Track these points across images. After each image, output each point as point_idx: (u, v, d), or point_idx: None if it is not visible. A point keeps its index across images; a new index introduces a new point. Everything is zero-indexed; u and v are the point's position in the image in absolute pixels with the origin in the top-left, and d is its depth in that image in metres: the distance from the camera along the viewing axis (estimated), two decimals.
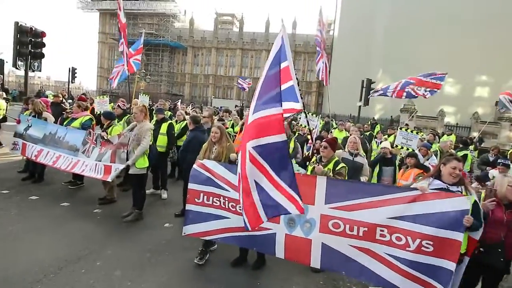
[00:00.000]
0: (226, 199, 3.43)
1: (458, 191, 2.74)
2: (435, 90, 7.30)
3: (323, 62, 7.94)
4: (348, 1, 42.13)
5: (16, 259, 3.40)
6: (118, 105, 6.66)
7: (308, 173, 3.81)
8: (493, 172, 5.28)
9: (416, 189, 2.73)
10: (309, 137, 7.35)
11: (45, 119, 6.15)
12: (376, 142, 7.98)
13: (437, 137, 10.15)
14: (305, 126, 8.43)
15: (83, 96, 9.53)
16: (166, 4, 52.56)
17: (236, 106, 21.57)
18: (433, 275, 2.61)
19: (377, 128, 12.35)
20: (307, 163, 4.59)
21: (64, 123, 6.00)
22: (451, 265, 2.55)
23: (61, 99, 8.84)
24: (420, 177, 3.38)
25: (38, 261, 3.40)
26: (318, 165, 3.58)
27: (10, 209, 4.72)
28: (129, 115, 6.50)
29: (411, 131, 6.52)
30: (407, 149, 6.28)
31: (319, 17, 8.11)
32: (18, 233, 4.01)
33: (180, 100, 13.89)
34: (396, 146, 6.38)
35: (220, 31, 55.92)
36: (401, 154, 6.28)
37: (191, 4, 74.42)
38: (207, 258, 3.82)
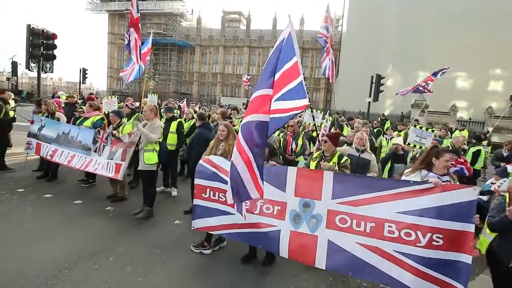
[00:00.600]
0: None
1: (448, 180, 2.80)
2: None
3: (329, 59, 7.85)
4: None
5: (31, 255, 3.50)
6: (126, 105, 6.75)
7: (311, 168, 3.80)
8: (510, 168, 5.11)
9: (424, 183, 2.70)
10: (314, 134, 7.31)
11: (58, 119, 6.30)
12: (386, 138, 7.88)
13: (449, 132, 9.96)
14: (309, 124, 8.39)
15: (92, 95, 9.68)
16: (173, 3, 52.86)
17: (243, 104, 21.57)
18: (445, 272, 2.54)
19: (387, 124, 12.18)
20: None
21: (76, 123, 6.13)
22: (464, 258, 2.48)
23: (75, 99, 9.02)
24: (409, 170, 3.27)
25: (53, 257, 3.50)
26: (323, 162, 3.56)
27: (25, 207, 4.86)
28: (137, 114, 6.55)
29: (426, 129, 6.30)
30: (420, 147, 6.09)
31: (326, 13, 8.00)
32: (33, 230, 4.13)
33: (185, 100, 13.88)
34: (409, 144, 6.16)
35: (227, 29, 55.92)
36: (413, 151, 6.11)
37: (198, 3, 74.63)
38: (209, 253, 3.88)
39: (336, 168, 3.60)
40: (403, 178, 3.03)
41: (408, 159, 5.60)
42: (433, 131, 6.45)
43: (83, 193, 5.78)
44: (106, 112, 7.56)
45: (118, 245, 3.93)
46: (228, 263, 3.75)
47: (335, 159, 3.75)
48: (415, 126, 6.69)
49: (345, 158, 3.78)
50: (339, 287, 3.47)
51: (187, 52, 56.57)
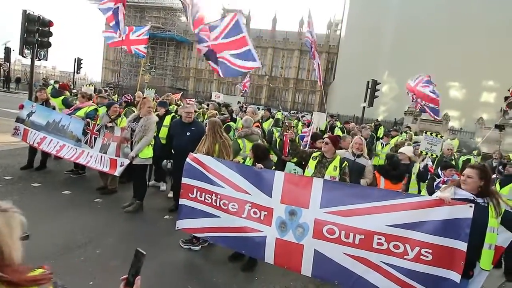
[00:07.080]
0: (219, 196, 3.38)
1: (485, 202, 2.51)
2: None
3: (316, 63, 7.80)
4: (356, 2, 41.87)
5: None
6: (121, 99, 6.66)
7: (310, 167, 3.79)
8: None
9: (418, 195, 2.67)
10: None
11: (54, 108, 6.15)
12: (382, 144, 7.94)
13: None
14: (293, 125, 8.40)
15: (64, 83, 9.36)
16: None
17: (238, 102, 21.51)
18: (433, 286, 2.50)
19: (381, 129, 12.28)
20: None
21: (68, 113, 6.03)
22: (453, 276, 2.43)
23: (75, 91, 8.91)
24: (444, 186, 3.04)
25: (37, 247, 3.40)
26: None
27: (12, 195, 4.73)
28: (130, 107, 6.39)
29: (436, 135, 6.10)
30: (432, 154, 5.87)
31: (308, 19, 7.94)
32: None
33: (180, 94, 13.68)
34: (421, 152, 5.94)
35: None
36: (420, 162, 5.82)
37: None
38: (197, 249, 3.86)
39: (338, 171, 3.60)
40: (438, 192, 2.82)
41: (415, 169, 5.37)
42: (441, 137, 6.17)
43: (72, 183, 5.68)
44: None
45: (106, 237, 3.88)
46: (216, 260, 3.74)
47: (336, 163, 3.72)
48: (406, 132, 6.69)
49: (345, 162, 3.78)
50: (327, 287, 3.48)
51: (184, 48, 56.16)
